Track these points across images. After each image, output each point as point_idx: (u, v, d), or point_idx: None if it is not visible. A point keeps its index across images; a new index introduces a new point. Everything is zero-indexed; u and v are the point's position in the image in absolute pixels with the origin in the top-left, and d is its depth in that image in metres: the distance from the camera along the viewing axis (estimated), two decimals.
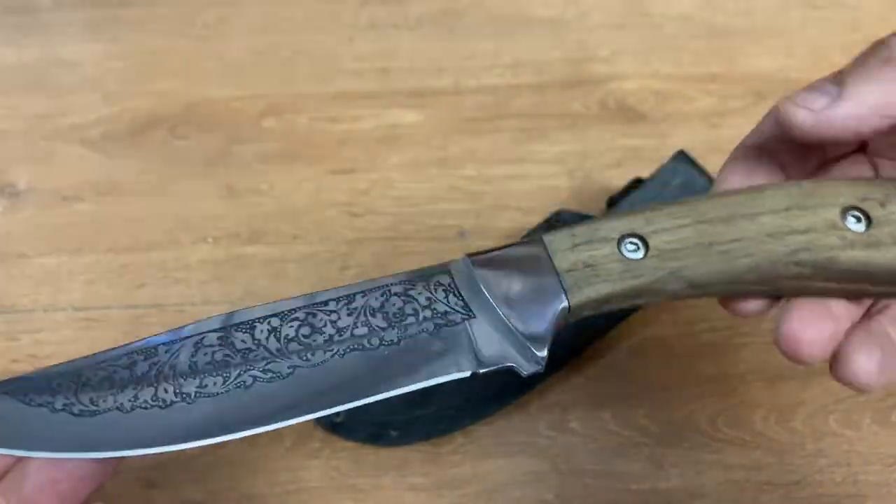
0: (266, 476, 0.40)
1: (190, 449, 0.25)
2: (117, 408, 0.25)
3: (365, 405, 0.26)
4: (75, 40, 0.55)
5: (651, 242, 0.27)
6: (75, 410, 0.24)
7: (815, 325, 0.26)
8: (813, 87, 0.27)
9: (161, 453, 0.24)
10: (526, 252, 0.27)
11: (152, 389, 0.25)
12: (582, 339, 0.42)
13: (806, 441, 0.41)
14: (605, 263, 0.27)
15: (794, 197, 0.28)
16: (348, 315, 0.26)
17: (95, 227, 0.48)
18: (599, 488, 0.40)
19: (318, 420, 0.41)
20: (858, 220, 0.27)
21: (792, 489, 0.40)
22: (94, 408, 0.24)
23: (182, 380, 0.25)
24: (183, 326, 0.26)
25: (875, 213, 0.27)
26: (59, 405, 0.25)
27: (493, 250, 0.28)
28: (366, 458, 0.41)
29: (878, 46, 0.27)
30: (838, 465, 0.40)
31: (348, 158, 0.50)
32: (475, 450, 0.41)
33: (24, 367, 0.43)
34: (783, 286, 0.28)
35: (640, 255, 0.27)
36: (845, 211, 0.27)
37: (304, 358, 0.25)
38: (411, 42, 0.55)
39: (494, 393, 0.41)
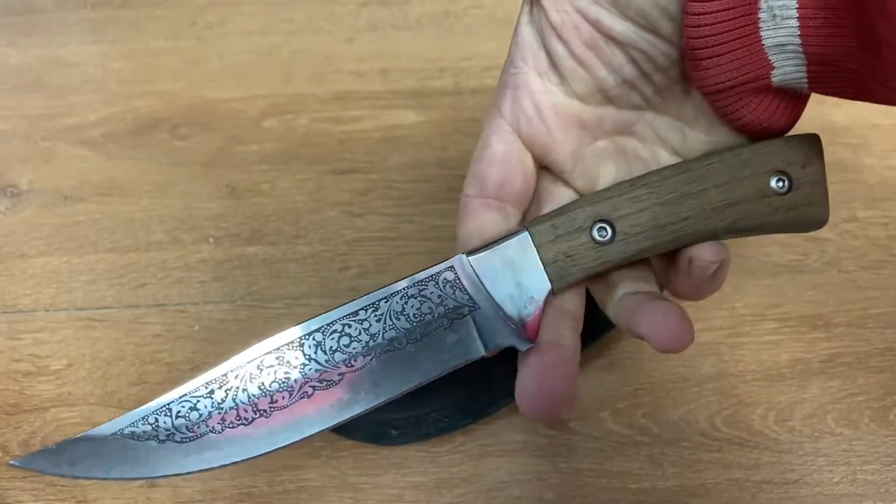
0: (266, 475, 0.40)
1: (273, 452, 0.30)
2: (210, 431, 0.30)
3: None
4: (76, 41, 0.55)
5: (617, 227, 0.30)
6: (177, 438, 0.30)
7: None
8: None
9: (251, 459, 0.30)
10: (514, 245, 0.30)
11: (234, 412, 0.30)
12: (582, 339, 0.42)
13: (804, 440, 0.41)
14: (581, 252, 0.30)
15: (732, 169, 0.30)
16: (377, 321, 0.30)
17: (97, 227, 0.48)
18: (598, 487, 0.40)
19: None
20: (782, 183, 0.30)
21: (790, 488, 0.40)
22: (192, 434, 0.30)
23: (256, 399, 0.30)
24: (245, 351, 0.30)
25: (796, 175, 0.30)
26: (162, 437, 0.30)
27: (486, 245, 0.30)
28: (366, 457, 0.41)
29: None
30: (836, 465, 0.40)
31: (348, 158, 0.50)
32: (475, 449, 0.41)
33: (26, 367, 0.43)
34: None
35: (608, 238, 0.30)
36: (773, 175, 0.30)
37: (349, 365, 0.30)
38: (411, 42, 0.55)
39: (494, 393, 0.41)
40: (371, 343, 0.30)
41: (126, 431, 0.30)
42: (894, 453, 0.41)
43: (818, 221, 0.31)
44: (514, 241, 0.30)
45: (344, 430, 0.41)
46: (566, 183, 0.33)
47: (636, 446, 0.41)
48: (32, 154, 0.51)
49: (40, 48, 0.55)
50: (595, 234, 0.30)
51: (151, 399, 0.30)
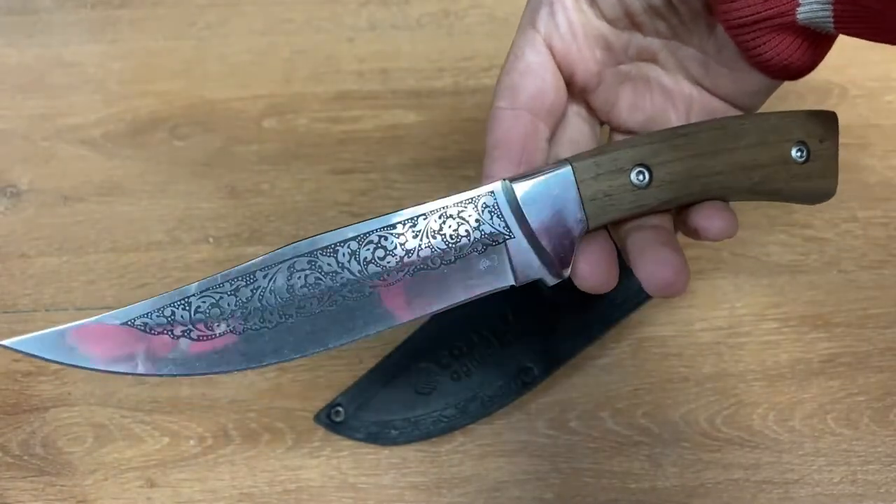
0: (266, 475, 0.40)
1: (295, 360, 0.29)
2: (230, 331, 0.28)
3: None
4: (76, 41, 0.55)
5: (655, 173, 0.30)
6: (193, 336, 0.28)
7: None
8: None
9: (267, 365, 0.28)
10: (557, 177, 0.30)
11: (259, 313, 0.28)
12: (582, 339, 0.42)
13: (804, 440, 0.41)
14: (619, 193, 0.30)
15: (762, 132, 0.31)
16: (414, 237, 0.29)
17: (96, 227, 0.48)
18: (598, 487, 0.40)
19: (318, 419, 0.41)
20: (801, 153, 0.31)
21: (790, 488, 0.40)
22: (210, 332, 0.28)
23: (283, 302, 0.28)
24: (276, 250, 0.29)
25: (814, 147, 0.31)
26: (177, 332, 0.28)
27: (529, 175, 0.30)
28: (366, 458, 0.41)
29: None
30: (836, 465, 0.40)
31: (348, 158, 0.50)
32: (475, 449, 0.41)
33: (26, 367, 0.43)
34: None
35: (645, 182, 0.30)
36: (795, 145, 0.31)
37: (382, 279, 0.29)
38: (411, 43, 0.55)
39: (494, 393, 0.41)
40: (406, 259, 0.29)
41: (138, 322, 0.28)
42: (894, 453, 0.41)
43: (826, 194, 0.32)
44: (557, 173, 0.30)
45: (344, 429, 0.41)
46: (585, 103, 0.34)
47: (636, 446, 0.41)
48: (32, 154, 0.50)
49: (40, 48, 0.55)
50: (634, 177, 0.30)
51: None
